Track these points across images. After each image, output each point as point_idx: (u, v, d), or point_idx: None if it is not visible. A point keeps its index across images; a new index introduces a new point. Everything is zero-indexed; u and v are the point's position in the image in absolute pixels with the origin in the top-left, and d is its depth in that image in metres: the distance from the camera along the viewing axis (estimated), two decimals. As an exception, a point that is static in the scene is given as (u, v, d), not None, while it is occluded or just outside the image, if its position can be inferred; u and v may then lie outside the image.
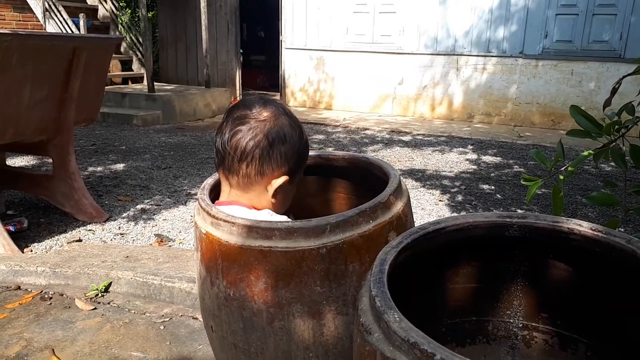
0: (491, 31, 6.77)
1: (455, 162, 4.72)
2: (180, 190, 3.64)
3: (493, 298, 1.00)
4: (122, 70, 9.01)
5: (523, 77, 6.71)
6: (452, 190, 3.79)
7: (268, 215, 1.12)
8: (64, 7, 8.14)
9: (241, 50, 8.64)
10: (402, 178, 1.16)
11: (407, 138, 5.87)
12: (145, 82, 7.65)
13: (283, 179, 1.12)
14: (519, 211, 3.30)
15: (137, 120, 6.28)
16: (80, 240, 2.71)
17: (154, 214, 3.13)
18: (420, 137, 5.91)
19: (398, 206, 1.06)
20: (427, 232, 0.85)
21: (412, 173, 4.25)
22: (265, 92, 9.86)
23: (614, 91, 1.49)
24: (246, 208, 1.12)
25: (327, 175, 1.42)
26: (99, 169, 4.14)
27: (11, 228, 2.68)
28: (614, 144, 1.42)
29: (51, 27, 8.03)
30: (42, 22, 8.10)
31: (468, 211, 3.31)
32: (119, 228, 2.90)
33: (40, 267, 2.20)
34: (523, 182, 1.51)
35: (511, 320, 0.99)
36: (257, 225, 0.96)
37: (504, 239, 0.91)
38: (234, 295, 1.00)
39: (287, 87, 8.28)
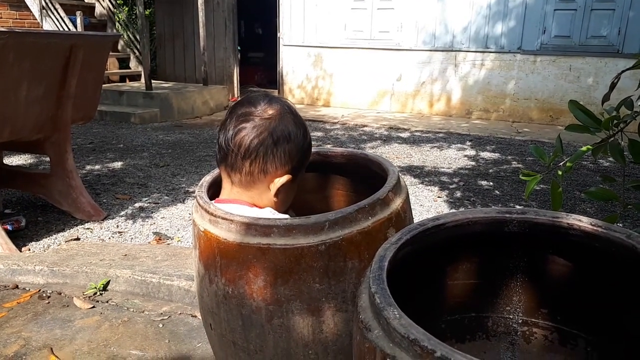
0: (489, 27, 6.76)
1: (453, 158, 4.72)
2: (179, 188, 3.63)
3: (492, 294, 0.99)
4: (120, 68, 8.99)
5: (521, 72, 6.70)
6: (451, 186, 3.79)
7: (270, 214, 1.11)
8: (61, 4, 8.11)
9: (239, 48, 8.62)
10: (400, 174, 1.15)
11: (405, 134, 5.87)
12: (142, 79, 7.63)
13: (286, 177, 1.11)
14: (518, 207, 3.30)
15: (135, 118, 6.26)
16: (78, 239, 2.70)
17: (152, 212, 3.13)
18: (418, 134, 5.91)
19: (397, 203, 1.05)
20: (426, 228, 0.85)
21: (410, 169, 4.25)
22: (263, 89, 9.85)
23: (612, 86, 1.49)
24: (247, 206, 1.11)
25: (325, 172, 1.42)
26: (97, 167, 4.13)
27: (9, 227, 2.68)
28: (612, 139, 1.42)
29: (48, 25, 7.99)
30: (39, 20, 8.06)
31: (467, 207, 3.31)
32: (117, 226, 2.90)
33: (38, 266, 2.19)
34: (522, 178, 1.51)
35: (511, 316, 0.99)
36: (255, 222, 0.95)
37: (504, 235, 0.91)
38: (233, 293, 1.00)
39: (285, 84, 8.27)
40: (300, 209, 1.33)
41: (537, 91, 6.67)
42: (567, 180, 3.85)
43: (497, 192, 3.64)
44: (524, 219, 0.89)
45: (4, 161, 3.14)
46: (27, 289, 2.12)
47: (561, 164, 1.48)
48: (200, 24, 7.16)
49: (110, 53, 7.52)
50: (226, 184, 1.15)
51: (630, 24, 6.02)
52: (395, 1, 7.22)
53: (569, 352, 0.95)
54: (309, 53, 7.97)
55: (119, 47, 8.92)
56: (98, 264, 2.21)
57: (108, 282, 2.11)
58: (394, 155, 4.77)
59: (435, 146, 5.23)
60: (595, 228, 0.83)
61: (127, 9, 9.47)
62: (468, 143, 5.42)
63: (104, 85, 6.42)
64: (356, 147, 5.09)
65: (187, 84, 7.97)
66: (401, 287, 0.74)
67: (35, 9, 8.04)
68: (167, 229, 2.89)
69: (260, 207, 1.12)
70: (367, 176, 1.28)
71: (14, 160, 4.25)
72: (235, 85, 8.57)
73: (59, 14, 7.98)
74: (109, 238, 2.74)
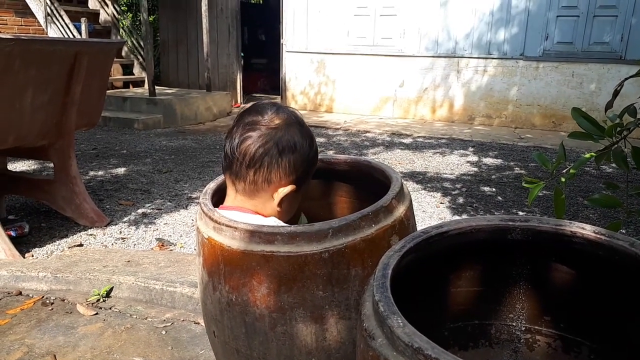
0: (492, 33, 6.77)
1: (456, 164, 4.72)
2: (182, 194, 3.64)
3: (496, 301, 0.99)
4: (123, 74, 9.03)
5: (524, 79, 6.71)
6: (453, 192, 3.79)
7: (274, 223, 1.11)
8: (66, 11, 8.17)
9: (242, 54, 8.65)
10: (403, 181, 1.15)
11: (408, 140, 5.87)
12: (146, 86, 7.66)
13: (290, 188, 1.11)
14: (521, 213, 3.29)
15: (138, 124, 6.28)
16: (81, 245, 2.71)
17: (155, 218, 3.13)
18: (421, 140, 5.91)
19: (400, 210, 1.06)
20: (429, 236, 0.85)
21: (413, 175, 4.25)
22: (266, 96, 9.88)
23: (615, 93, 1.49)
24: (251, 214, 1.11)
25: (328, 179, 1.42)
26: (100, 173, 4.15)
27: (12, 233, 2.68)
28: (615, 146, 1.42)
29: (53, 32, 8.05)
30: (43, 26, 8.12)
31: (469, 213, 3.30)
32: (120, 232, 2.90)
33: (42, 273, 2.20)
34: (525, 185, 1.51)
35: (514, 324, 0.99)
36: (259, 230, 0.96)
37: (507, 243, 0.91)
38: (236, 300, 1.00)
39: (288, 90, 8.29)
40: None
41: (539, 97, 6.67)
42: (570, 186, 3.84)
43: (499, 198, 3.64)
44: (527, 227, 0.89)
45: (7, 167, 3.16)
46: (31, 295, 2.12)
47: (564, 170, 1.48)
48: (204, 31, 7.20)
49: (114, 59, 7.55)
50: (230, 192, 1.15)
51: (633, 30, 6.03)
52: (398, 7, 7.24)
53: (572, 359, 0.95)
54: (312, 59, 7.99)
55: (123, 54, 8.97)
56: (101, 271, 2.21)
57: (111, 289, 2.11)
58: (397, 161, 4.77)
59: (437, 152, 5.23)
60: (598, 236, 0.83)
61: (131, 15, 9.54)
62: (470, 149, 5.42)
63: (107, 92, 6.44)
64: (359, 153, 5.09)
65: (191, 90, 8.00)
66: (404, 295, 0.74)
67: (40, 16, 8.10)
68: (170, 235, 2.89)
69: (264, 216, 1.12)
70: (370, 183, 1.28)
71: (18, 166, 4.26)
72: (239, 91, 8.60)
73: (63, 20, 8.04)
74: (112, 244, 2.74)
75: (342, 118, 7.40)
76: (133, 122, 6.32)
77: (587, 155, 1.45)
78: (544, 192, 3.59)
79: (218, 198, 1.19)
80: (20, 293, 2.13)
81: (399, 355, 0.60)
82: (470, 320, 1.00)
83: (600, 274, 0.87)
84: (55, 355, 1.68)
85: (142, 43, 8.55)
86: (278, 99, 8.73)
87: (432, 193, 3.76)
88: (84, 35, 7.64)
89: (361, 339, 0.69)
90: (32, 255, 2.57)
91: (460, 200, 3.60)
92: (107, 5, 9.06)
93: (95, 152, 4.92)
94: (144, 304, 2.05)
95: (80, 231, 2.88)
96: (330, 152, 4.98)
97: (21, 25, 8.24)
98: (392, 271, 0.74)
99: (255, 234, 0.96)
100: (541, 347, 0.98)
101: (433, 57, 7.18)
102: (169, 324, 1.89)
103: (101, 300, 2.06)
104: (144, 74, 8.49)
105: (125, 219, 3.11)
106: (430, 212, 3.34)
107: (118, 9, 9.29)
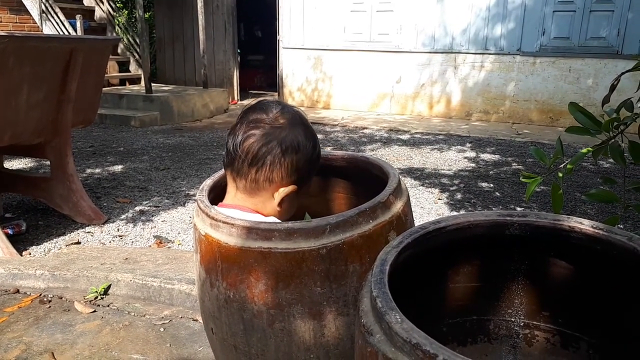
0: (489, 29, 6.77)
1: (453, 160, 4.72)
2: (179, 191, 3.63)
3: (494, 297, 0.99)
4: (120, 72, 9.00)
5: (521, 74, 6.71)
6: (451, 188, 3.79)
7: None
8: (61, 8, 8.13)
9: (238, 50, 8.63)
10: (401, 177, 1.15)
11: (405, 137, 5.87)
12: (142, 83, 7.64)
13: (291, 188, 1.10)
14: (518, 209, 3.30)
15: (135, 122, 6.27)
16: (78, 243, 2.70)
17: (152, 216, 3.13)
18: (418, 136, 5.91)
19: (398, 206, 1.05)
20: (427, 231, 0.85)
21: (410, 172, 4.25)
22: (262, 92, 9.87)
23: (612, 88, 1.49)
24: (251, 213, 1.11)
25: (326, 175, 1.41)
26: (97, 170, 4.14)
27: (9, 231, 2.68)
28: (613, 140, 1.42)
29: (48, 29, 8.01)
30: (39, 24, 8.08)
31: (467, 209, 3.31)
32: (118, 230, 2.90)
33: (39, 270, 2.19)
34: (522, 180, 1.50)
35: (512, 319, 0.99)
36: (256, 226, 0.95)
37: (505, 238, 0.91)
38: (234, 297, 0.99)
39: (285, 87, 8.28)
40: (300, 213, 1.33)
41: (536, 93, 6.67)
42: (568, 181, 3.85)
43: (497, 194, 3.64)
44: (525, 222, 0.89)
45: (4, 165, 3.14)
46: (28, 293, 2.11)
47: (562, 165, 1.48)
48: (200, 27, 7.17)
49: (110, 56, 7.53)
50: (231, 189, 1.14)
51: (629, 25, 6.03)
52: (394, 3, 7.23)
53: (571, 354, 0.95)
54: (309, 56, 7.98)
55: (119, 51, 8.93)
56: (99, 268, 2.21)
57: (109, 286, 2.11)
58: (394, 158, 4.77)
59: (435, 148, 5.24)
60: (596, 231, 0.83)
61: (126, 12, 9.49)
62: (468, 145, 5.42)
63: (104, 89, 6.42)
64: (356, 149, 5.09)
65: (187, 87, 7.97)
66: (402, 291, 0.74)
67: (35, 13, 8.06)
68: (168, 233, 2.88)
69: (264, 215, 1.11)
70: (367, 179, 1.28)
71: (15, 164, 4.25)
72: (235, 88, 8.58)
73: (58, 17, 8.00)
74: (110, 242, 2.74)
75: (340, 114, 7.39)
76: (130, 120, 6.30)
77: (585, 150, 1.45)
78: (542, 187, 3.59)
79: (215, 195, 1.18)
80: (18, 291, 2.13)
81: (397, 351, 0.60)
82: (469, 315, 1.00)
83: (599, 268, 0.87)
84: (53, 353, 1.67)
85: (138, 40, 8.52)
86: (275, 96, 8.72)
87: (430, 189, 3.76)
88: (79, 33, 7.60)
89: (359, 335, 0.69)
90: (30, 253, 2.57)
91: (458, 196, 3.60)
92: (103, 2, 9.02)
93: (92, 150, 4.91)
94: (142, 301, 2.05)
95: (77, 229, 2.87)
96: (328, 149, 4.97)
97: (16, 22, 8.20)
98: (390, 267, 0.74)
99: (252, 231, 0.95)
100: (540, 343, 0.98)
101: (430, 52, 7.17)
102: (167, 321, 1.89)
103: (99, 297, 2.06)
104: (140, 71, 8.46)
105: (123, 216, 3.10)
106: (428, 208, 3.34)
107: (113, 5, 9.25)
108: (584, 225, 0.85)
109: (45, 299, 2.06)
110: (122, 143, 5.27)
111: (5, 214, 3.04)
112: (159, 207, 3.29)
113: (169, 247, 2.69)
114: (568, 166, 1.44)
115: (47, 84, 2.55)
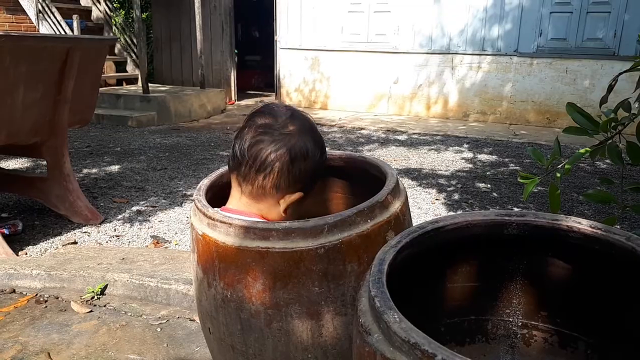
0: (486, 30, 6.78)
1: (451, 160, 4.72)
2: (176, 191, 3.63)
3: (492, 297, 0.99)
4: (117, 72, 8.97)
5: (518, 75, 6.72)
6: (449, 189, 3.79)
7: None
8: (57, 8, 8.10)
9: (236, 51, 8.62)
10: (399, 177, 1.15)
11: (402, 137, 5.87)
12: (139, 83, 7.62)
13: (297, 195, 1.10)
14: (516, 209, 3.30)
15: (132, 122, 6.25)
16: (75, 243, 2.69)
17: (149, 216, 3.12)
18: (415, 136, 5.92)
19: (396, 205, 1.05)
20: (425, 231, 0.84)
21: (408, 172, 4.25)
22: (260, 93, 9.86)
23: (610, 88, 1.49)
24: (256, 218, 1.10)
25: (324, 175, 1.41)
26: (94, 170, 4.12)
27: (5, 231, 2.66)
28: (610, 141, 1.42)
29: (44, 29, 7.98)
30: (35, 23, 8.05)
31: (464, 210, 3.31)
32: (115, 230, 2.89)
33: (36, 270, 2.18)
34: (520, 180, 1.51)
35: (510, 319, 0.99)
36: (254, 226, 0.95)
37: (503, 238, 0.90)
38: (232, 297, 0.99)
39: (282, 87, 8.27)
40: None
41: (533, 93, 6.68)
42: (565, 182, 3.86)
43: (494, 194, 3.65)
44: (524, 222, 0.88)
45: (0, 165, 3.13)
46: (25, 293, 2.10)
47: (559, 166, 1.48)
48: (197, 27, 7.16)
49: (107, 57, 7.51)
50: (235, 192, 1.13)
51: (625, 26, 6.05)
52: (391, 4, 7.23)
53: (569, 354, 0.95)
54: (306, 56, 7.97)
55: (116, 51, 8.91)
56: (95, 268, 2.20)
57: (106, 286, 2.10)
58: (392, 158, 4.77)
59: (432, 149, 5.24)
60: (594, 230, 0.83)
61: (123, 12, 9.47)
62: (465, 145, 5.42)
63: (101, 89, 6.41)
64: (354, 149, 5.09)
65: (185, 87, 7.96)
66: (401, 291, 0.74)
67: (31, 13, 8.03)
68: (165, 233, 2.88)
69: (268, 220, 1.11)
70: (365, 179, 1.28)
71: (11, 164, 4.23)
72: (233, 88, 8.57)
73: (55, 17, 7.97)
74: (107, 242, 2.73)
75: (337, 115, 7.39)
76: (127, 120, 6.28)
77: (582, 151, 1.45)
78: (539, 188, 3.60)
79: (212, 194, 1.18)
80: (14, 291, 2.12)
81: (395, 351, 0.60)
82: (467, 315, 1.00)
83: (597, 268, 0.87)
84: (49, 353, 1.67)
85: (135, 40, 8.50)
86: (272, 96, 8.72)
87: (427, 189, 3.77)
88: (75, 33, 7.58)
89: (357, 334, 0.69)
90: (26, 253, 2.56)
91: (456, 196, 3.60)
92: (100, 2, 8.99)
93: (88, 150, 4.90)
94: (138, 301, 2.04)
95: (74, 229, 2.86)
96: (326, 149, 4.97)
97: (12, 22, 8.17)
98: (388, 267, 0.74)
99: (250, 230, 0.95)
100: (538, 343, 0.98)
101: (427, 53, 7.18)
102: (164, 321, 1.88)
103: (95, 297, 2.05)
104: (137, 72, 8.44)
105: (120, 216, 3.09)
106: (426, 208, 3.34)
107: (110, 5, 9.22)
108: (583, 225, 0.84)
109: (41, 299, 2.05)
110: (119, 143, 5.26)
111: (1, 214, 3.02)
112: (156, 207, 3.28)
113: (166, 247, 2.68)
114: (566, 166, 1.44)
115: (43, 84, 2.54)
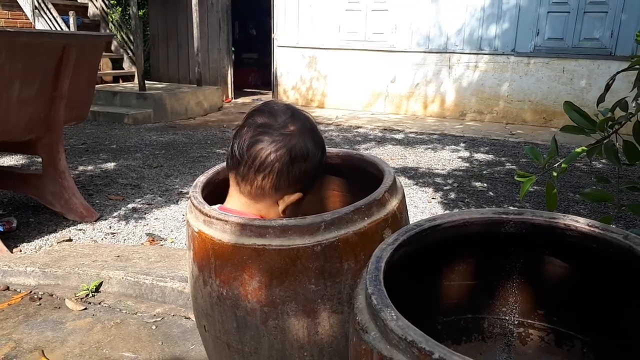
0: (483, 29, 6.78)
1: (447, 159, 4.73)
2: (172, 189, 3.61)
3: (489, 295, 0.99)
4: (113, 69, 8.95)
5: (515, 74, 6.73)
6: (445, 187, 3.79)
7: None
8: (54, 4, 8.06)
9: (233, 49, 8.60)
10: (396, 175, 1.15)
11: (399, 136, 5.87)
12: (136, 80, 7.59)
13: (296, 195, 1.09)
14: (512, 208, 3.30)
15: (128, 119, 6.23)
16: (70, 240, 2.68)
17: (145, 213, 3.11)
18: (412, 135, 5.92)
19: (393, 203, 1.05)
20: (422, 229, 0.84)
21: (404, 171, 4.25)
22: (257, 90, 9.84)
23: (607, 87, 1.49)
24: (254, 218, 1.09)
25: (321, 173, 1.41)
26: (90, 167, 4.11)
27: (0, 228, 2.65)
28: (607, 140, 1.42)
29: (41, 25, 7.94)
30: (31, 19, 8.01)
31: (461, 209, 3.31)
32: (110, 227, 2.88)
33: (30, 267, 2.17)
34: (517, 179, 1.50)
35: (507, 318, 0.99)
36: (250, 223, 0.95)
37: (500, 236, 0.90)
38: (227, 295, 0.99)
39: (280, 86, 8.26)
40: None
41: (530, 93, 6.69)
42: (561, 182, 3.86)
43: (491, 193, 3.65)
44: (521, 220, 0.88)
45: (-5, 162, 3.11)
46: (18, 290, 2.09)
47: (556, 165, 1.48)
48: (194, 25, 7.14)
49: (104, 53, 7.47)
50: (233, 192, 1.12)
51: (622, 26, 6.06)
52: (389, 3, 7.23)
53: (565, 353, 0.94)
54: (303, 54, 7.96)
55: (113, 48, 8.88)
56: (90, 265, 2.19)
57: (100, 284, 2.09)
58: (388, 157, 4.77)
59: (429, 147, 5.24)
60: (592, 229, 0.83)
61: (120, 9, 9.44)
62: (462, 144, 5.43)
63: (97, 86, 6.37)
64: (350, 148, 5.08)
65: (181, 85, 7.94)
66: (397, 289, 0.73)
67: (27, 9, 7.99)
68: (161, 230, 2.87)
69: None
70: (362, 177, 1.27)
71: (6, 160, 4.21)
72: (230, 86, 8.55)
73: (51, 14, 7.94)
74: (102, 239, 2.72)
75: (334, 113, 7.38)
76: (123, 117, 6.26)
77: (579, 150, 1.45)
78: (535, 187, 3.60)
79: (208, 192, 1.17)
80: (8, 288, 2.11)
81: (392, 349, 0.60)
82: (463, 314, 0.99)
83: (594, 267, 0.87)
84: (43, 351, 1.66)
85: (131, 37, 8.46)
86: (269, 94, 8.70)
87: (424, 188, 3.77)
88: (72, 29, 7.55)
89: (354, 332, 0.68)
90: (20, 250, 2.54)
91: (452, 195, 3.61)
92: (96, -1, 8.96)
93: (84, 147, 4.88)
94: (133, 298, 2.03)
95: (69, 226, 2.85)
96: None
97: (8, 18, 8.13)
98: (385, 264, 0.73)
99: (246, 227, 0.94)
100: (534, 341, 0.97)
101: (424, 52, 7.18)
102: (159, 318, 1.88)
103: (90, 295, 2.04)
104: (133, 69, 8.41)
105: (115, 213, 3.08)
106: (422, 207, 3.34)
107: (107, 2, 9.19)
108: (580, 223, 0.84)
109: (35, 296, 2.04)
110: (115, 140, 5.24)
111: (-4, 211, 3.01)
112: (151, 204, 3.27)
113: (162, 245, 2.67)
114: (563, 165, 1.44)
115: (39, 80, 2.52)
